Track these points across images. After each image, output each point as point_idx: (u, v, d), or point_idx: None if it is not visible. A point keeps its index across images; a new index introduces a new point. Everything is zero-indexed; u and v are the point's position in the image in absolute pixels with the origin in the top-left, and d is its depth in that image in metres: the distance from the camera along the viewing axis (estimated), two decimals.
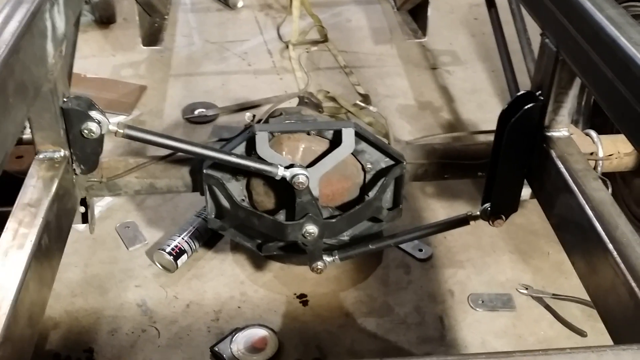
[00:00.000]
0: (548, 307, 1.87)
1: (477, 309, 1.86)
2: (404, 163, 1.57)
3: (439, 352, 1.75)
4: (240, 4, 3.36)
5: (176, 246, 1.96)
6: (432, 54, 3.03)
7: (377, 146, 1.56)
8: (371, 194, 1.59)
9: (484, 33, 3.11)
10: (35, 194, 1.25)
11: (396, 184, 1.61)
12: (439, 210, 2.18)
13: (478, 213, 1.53)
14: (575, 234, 1.26)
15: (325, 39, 3.06)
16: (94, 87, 2.69)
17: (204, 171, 1.52)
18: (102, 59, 2.96)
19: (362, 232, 1.66)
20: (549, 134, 1.38)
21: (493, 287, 1.93)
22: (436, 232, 1.63)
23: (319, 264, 1.58)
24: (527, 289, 1.91)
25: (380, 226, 1.66)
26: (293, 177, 1.44)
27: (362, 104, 2.45)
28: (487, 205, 1.50)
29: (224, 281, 1.95)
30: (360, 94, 2.70)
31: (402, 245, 1.99)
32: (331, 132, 1.54)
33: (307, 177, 1.45)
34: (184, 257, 1.96)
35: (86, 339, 1.78)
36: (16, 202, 1.23)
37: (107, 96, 2.66)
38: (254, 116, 1.67)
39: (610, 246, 1.10)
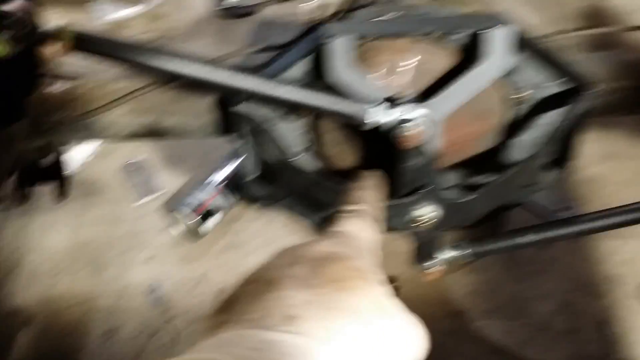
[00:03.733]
0: None
1: None
2: (594, 90, 0.87)
3: None
4: None
5: (204, 202, 1.34)
6: None
7: (547, 59, 0.86)
8: (524, 142, 0.91)
9: None
10: None
11: (570, 126, 0.91)
12: (594, 156, 1.49)
13: None
14: None
15: None
16: None
17: (235, 109, 0.86)
18: None
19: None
20: None
21: None
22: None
23: (433, 266, 0.92)
24: None
25: (527, 195, 0.98)
26: (398, 125, 0.76)
27: None
28: None
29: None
30: None
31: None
32: (464, 35, 0.84)
33: (426, 126, 0.77)
34: (217, 216, 1.35)
35: (68, 343, 1.21)
36: None
37: None
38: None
39: None
